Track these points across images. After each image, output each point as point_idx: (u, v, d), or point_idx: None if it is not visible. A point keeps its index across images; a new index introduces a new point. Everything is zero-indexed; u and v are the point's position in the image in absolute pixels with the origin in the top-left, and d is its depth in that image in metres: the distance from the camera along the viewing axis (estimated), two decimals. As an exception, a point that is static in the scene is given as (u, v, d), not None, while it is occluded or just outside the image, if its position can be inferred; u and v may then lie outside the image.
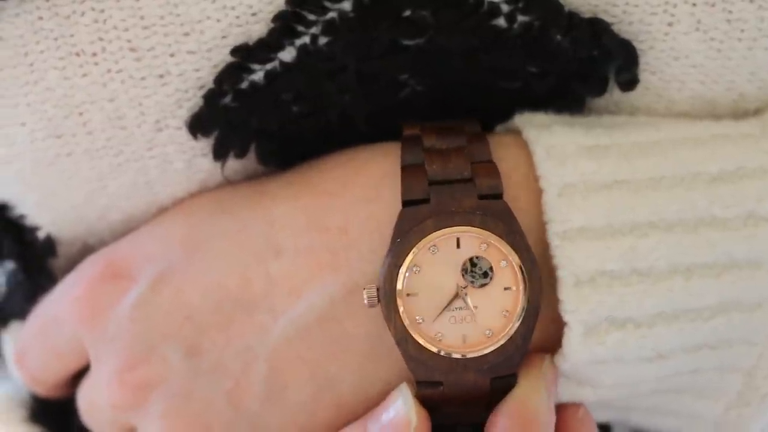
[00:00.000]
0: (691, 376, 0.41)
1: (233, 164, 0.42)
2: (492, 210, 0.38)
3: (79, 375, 0.45)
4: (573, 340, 0.38)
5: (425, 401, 0.38)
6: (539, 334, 0.38)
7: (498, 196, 0.38)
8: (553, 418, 0.38)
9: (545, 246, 0.38)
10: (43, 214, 0.43)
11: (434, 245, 0.38)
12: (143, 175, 0.41)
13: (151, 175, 0.42)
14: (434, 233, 0.38)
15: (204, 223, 0.41)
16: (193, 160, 0.41)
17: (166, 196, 0.42)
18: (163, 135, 0.40)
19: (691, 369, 0.40)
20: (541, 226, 0.39)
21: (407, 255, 0.38)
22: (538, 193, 0.39)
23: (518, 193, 0.39)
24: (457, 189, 0.38)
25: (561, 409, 0.39)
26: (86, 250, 0.44)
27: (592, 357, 0.38)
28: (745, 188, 0.39)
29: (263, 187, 0.41)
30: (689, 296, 0.39)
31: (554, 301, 0.38)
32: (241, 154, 0.41)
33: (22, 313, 0.46)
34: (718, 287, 0.39)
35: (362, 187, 0.40)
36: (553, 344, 0.39)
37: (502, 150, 0.40)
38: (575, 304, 0.38)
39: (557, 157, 0.39)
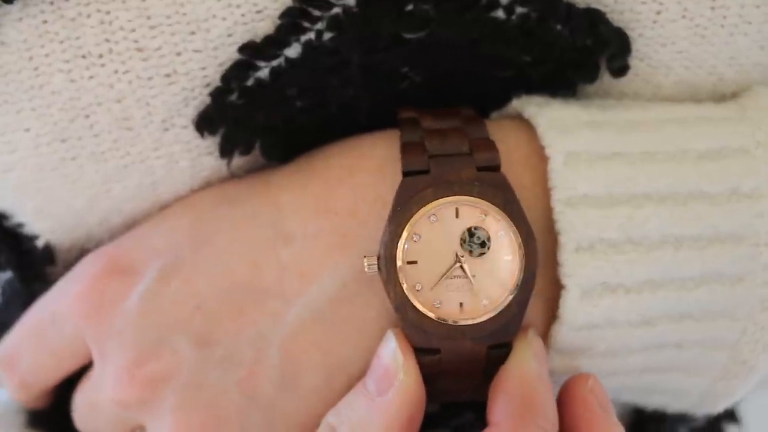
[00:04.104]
0: (676, 350, 0.42)
1: (237, 161, 0.42)
2: (490, 181, 0.39)
3: (63, 383, 0.44)
4: (570, 303, 0.39)
5: (423, 370, 0.38)
6: (542, 300, 0.40)
7: (496, 168, 0.39)
8: (548, 384, 0.39)
9: (548, 217, 0.39)
10: (41, 222, 0.43)
11: (434, 214, 0.38)
12: (149, 175, 0.42)
13: (157, 175, 0.42)
14: (433, 202, 0.38)
15: (210, 215, 0.41)
16: (198, 158, 0.42)
17: (169, 196, 0.42)
18: (170, 134, 0.41)
19: (676, 341, 0.42)
20: (545, 201, 0.40)
21: (407, 223, 0.38)
22: (541, 169, 0.40)
23: (521, 171, 0.40)
24: (456, 161, 0.39)
25: (569, 382, 0.40)
26: (83, 256, 0.44)
27: (587, 320, 0.39)
28: (729, 166, 0.41)
29: (268, 177, 0.42)
30: (676, 266, 0.40)
31: (555, 267, 0.39)
32: (246, 151, 0.42)
33: (19, 323, 0.45)
34: (701, 259, 0.40)
35: (367, 171, 0.40)
36: (553, 310, 0.40)
37: (500, 132, 0.41)
38: (574, 269, 0.39)
39: (560, 127, 0.40)
